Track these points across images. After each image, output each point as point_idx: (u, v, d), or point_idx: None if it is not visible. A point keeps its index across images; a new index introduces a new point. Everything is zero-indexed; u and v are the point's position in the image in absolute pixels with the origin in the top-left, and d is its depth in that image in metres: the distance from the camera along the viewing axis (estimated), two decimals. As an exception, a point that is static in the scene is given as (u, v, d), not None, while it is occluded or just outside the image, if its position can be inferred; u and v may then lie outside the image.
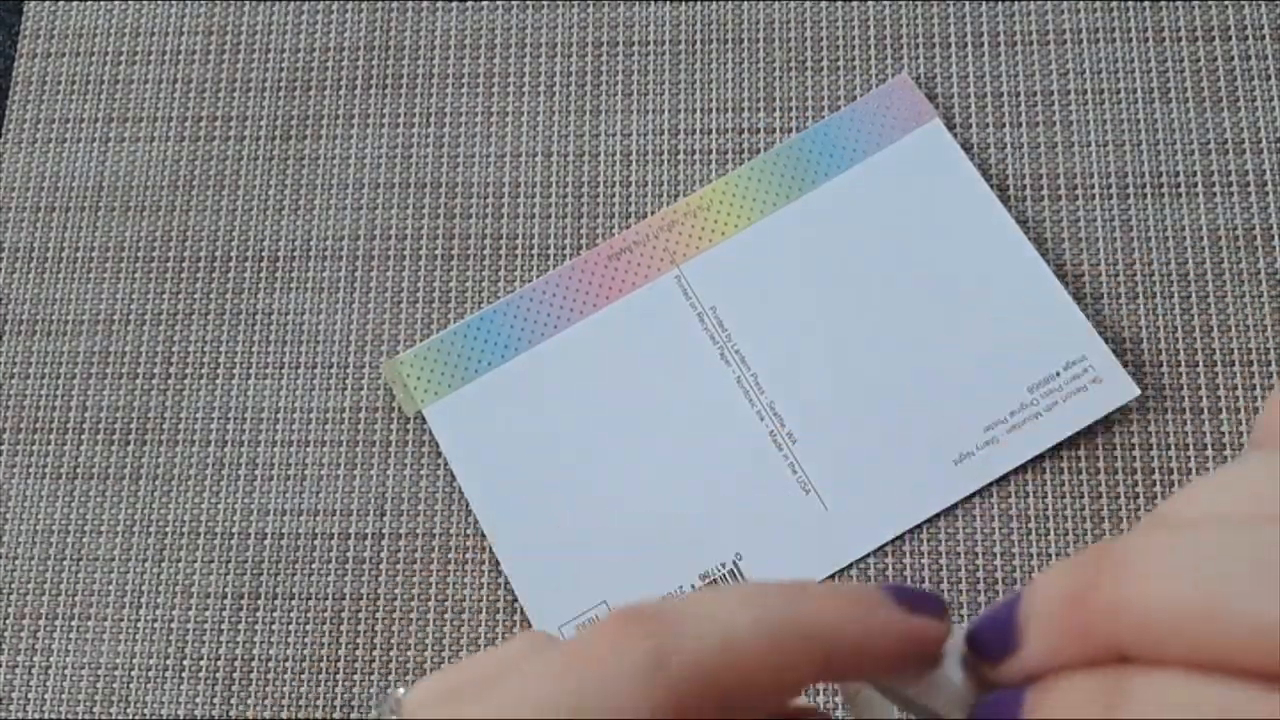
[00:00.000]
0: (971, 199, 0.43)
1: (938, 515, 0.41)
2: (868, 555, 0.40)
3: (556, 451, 0.41)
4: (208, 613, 0.41)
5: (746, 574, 0.40)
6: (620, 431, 0.42)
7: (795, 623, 0.19)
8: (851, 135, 0.44)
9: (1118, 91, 0.45)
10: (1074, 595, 0.18)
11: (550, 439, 0.42)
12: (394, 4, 0.48)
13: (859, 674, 0.20)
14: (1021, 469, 0.41)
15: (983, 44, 0.46)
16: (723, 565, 0.40)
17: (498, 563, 0.41)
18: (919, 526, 0.40)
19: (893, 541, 0.40)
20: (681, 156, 0.45)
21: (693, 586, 0.40)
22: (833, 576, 0.40)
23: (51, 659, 0.41)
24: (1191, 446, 0.41)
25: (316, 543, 0.42)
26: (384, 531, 0.42)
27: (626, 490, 0.41)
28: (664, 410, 0.42)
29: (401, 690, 0.20)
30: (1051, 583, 0.18)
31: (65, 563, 0.42)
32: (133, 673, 0.41)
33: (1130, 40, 0.45)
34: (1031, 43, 0.46)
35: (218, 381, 0.44)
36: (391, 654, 0.41)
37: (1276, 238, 0.43)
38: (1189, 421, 0.41)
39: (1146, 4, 0.46)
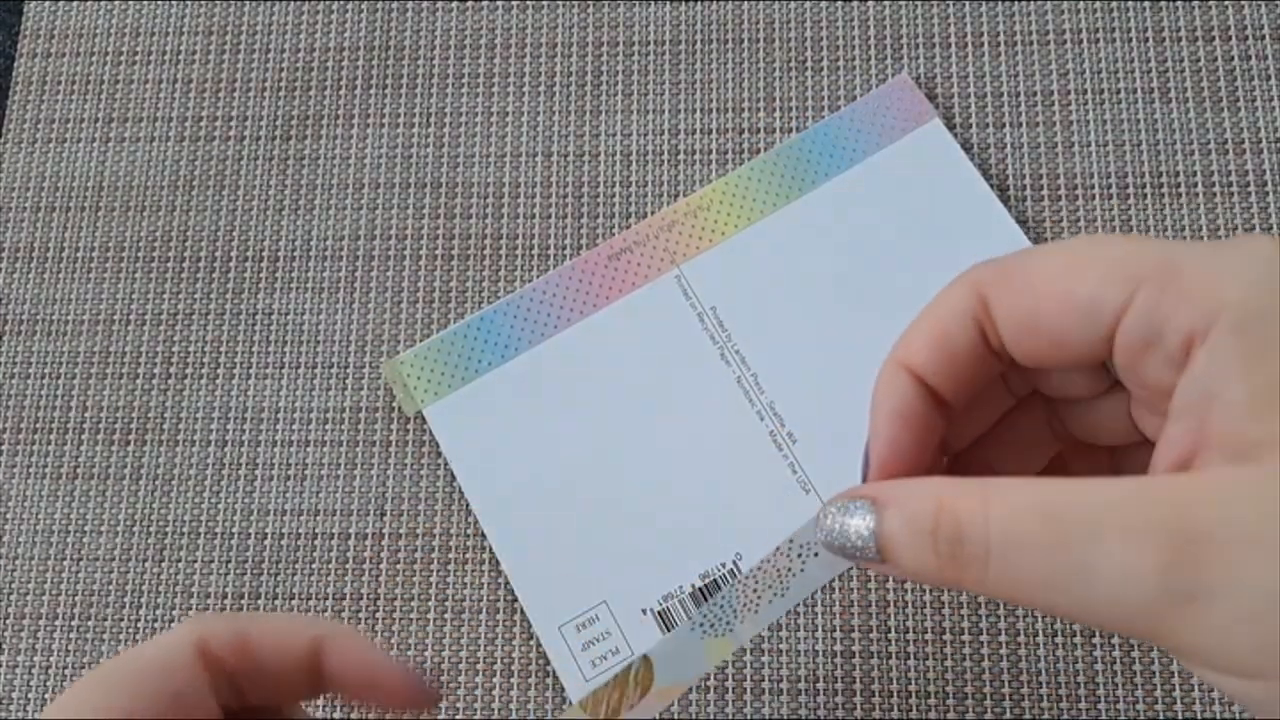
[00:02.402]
0: (972, 199, 0.43)
1: (938, 515, 0.41)
2: (868, 555, 0.40)
3: (556, 451, 0.41)
4: (208, 613, 0.41)
5: (746, 574, 0.40)
6: (620, 431, 0.42)
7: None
8: (851, 135, 0.44)
9: (1118, 91, 0.45)
10: None
11: (550, 439, 0.42)
12: (394, 4, 0.48)
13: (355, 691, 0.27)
14: (1021, 469, 0.41)
15: (983, 44, 0.46)
16: (722, 565, 0.40)
17: (498, 562, 0.41)
18: (919, 526, 0.40)
19: (893, 541, 0.40)
20: (681, 156, 0.45)
21: (693, 586, 0.40)
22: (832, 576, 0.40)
23: (51, 659, 0.41)
24: (1191, 446, 0.41)
25: (316, 543, 0.42)
26: (384, 531, 0.42)
27: (626, 490, 0.41)
28: (664, 410, 0.42)
29: None
30: None
31: (65, 563, 0.42)
32: (133, 673, 0.41)
33: (1130, 40, 0.45)
34: (1031, 43, 0.46)
35: (218, 381, 0.44)
36: (391, 654, 0.41)
37: (1276, 238, 0.43)
38: (1189, 421, 0.41)
39: (1146, 4, 0.46)
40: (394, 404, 0.43)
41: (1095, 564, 0.20)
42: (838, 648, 0.40)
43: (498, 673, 0.40)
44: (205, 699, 0.25)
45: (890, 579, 0.40)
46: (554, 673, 0.40)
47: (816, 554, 0.28)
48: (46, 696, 0.41)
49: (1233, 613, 0.19)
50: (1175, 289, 0.22)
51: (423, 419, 0.42)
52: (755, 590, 0.31)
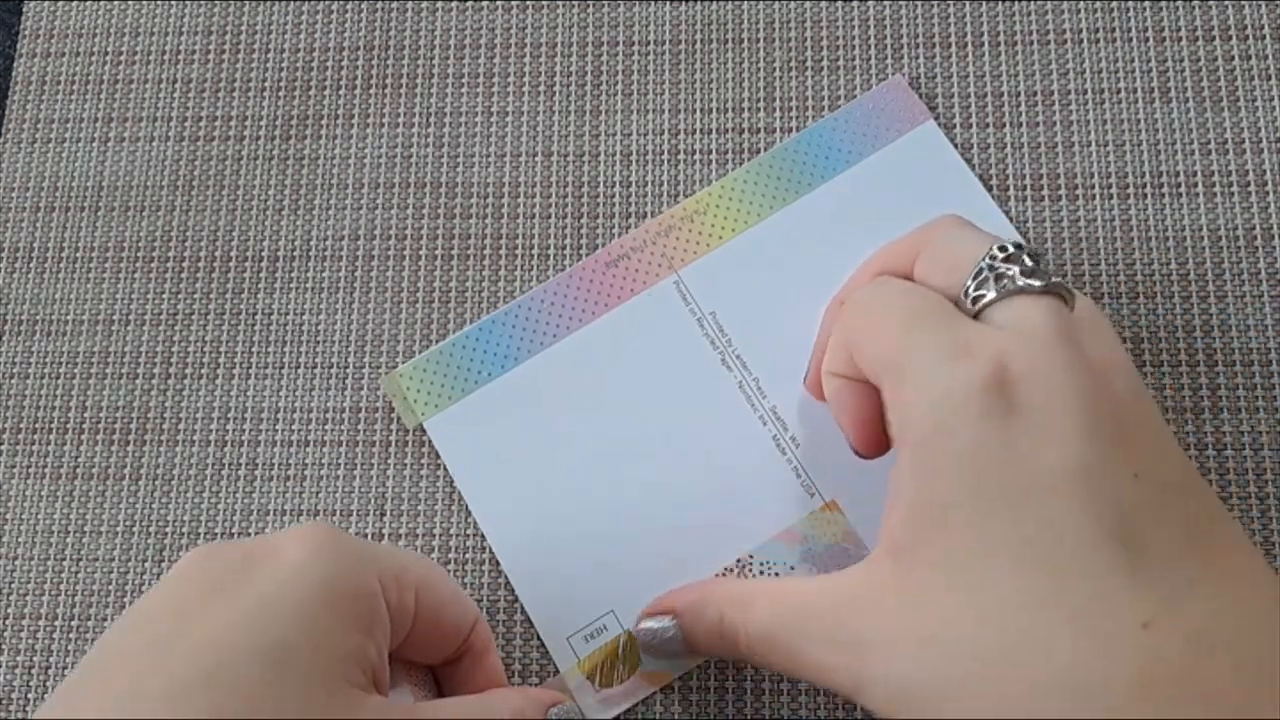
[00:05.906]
0: (967, 200, 0.43)
1: (937, 516, 0.41)
2: (867, 556, 0.40)
3: (559, 461, 0.41)
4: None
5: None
6: (623, 439, 0.41)
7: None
8: (846, 138, 0.44)
9: (1118, 91, 0.45)
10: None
11: (552, 448, 0.41)
12: (394, 4, 0.48)
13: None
14: (1021, 470, 0.41)
15: (982, 44, 0.46)
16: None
17: (498, 563, 0.41)
18: (918, 527, 0.41)
19: (892, 542, 0.40)
20: (682, 156, 0.45)
21: (693, 588, 0.40)
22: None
23: (51, 659, 0.41)
24: (1192, 446, 0.41)
25: (317, 543, 0.42)
26: (384, 532, 0.42)
27: (630, 498, 0.41)
28: (666, 417, 0.42)
29: None
30: None
31: (65, 563, 0.42)
32: (133, 673, 0.41)
33: (1130, 40, 0.45)
34: (1031, 43, 0.46)
35: (218, 381, 0.44)
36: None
37: (1276, 238, 0.43)
38: (1189, 421, 0.41)
39: (1146, 4, 0.46)
40: (394, 409, 0.43)
41: (805, 661, 0.31)
42: (837, 648, 0.40)
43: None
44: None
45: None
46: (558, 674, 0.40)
47: None
48: (46, 697, 0.41)
49: (883, 696, 0.28)
50: (896, 399, 0.30)
51: (423, 431, 0.42)
52: None
